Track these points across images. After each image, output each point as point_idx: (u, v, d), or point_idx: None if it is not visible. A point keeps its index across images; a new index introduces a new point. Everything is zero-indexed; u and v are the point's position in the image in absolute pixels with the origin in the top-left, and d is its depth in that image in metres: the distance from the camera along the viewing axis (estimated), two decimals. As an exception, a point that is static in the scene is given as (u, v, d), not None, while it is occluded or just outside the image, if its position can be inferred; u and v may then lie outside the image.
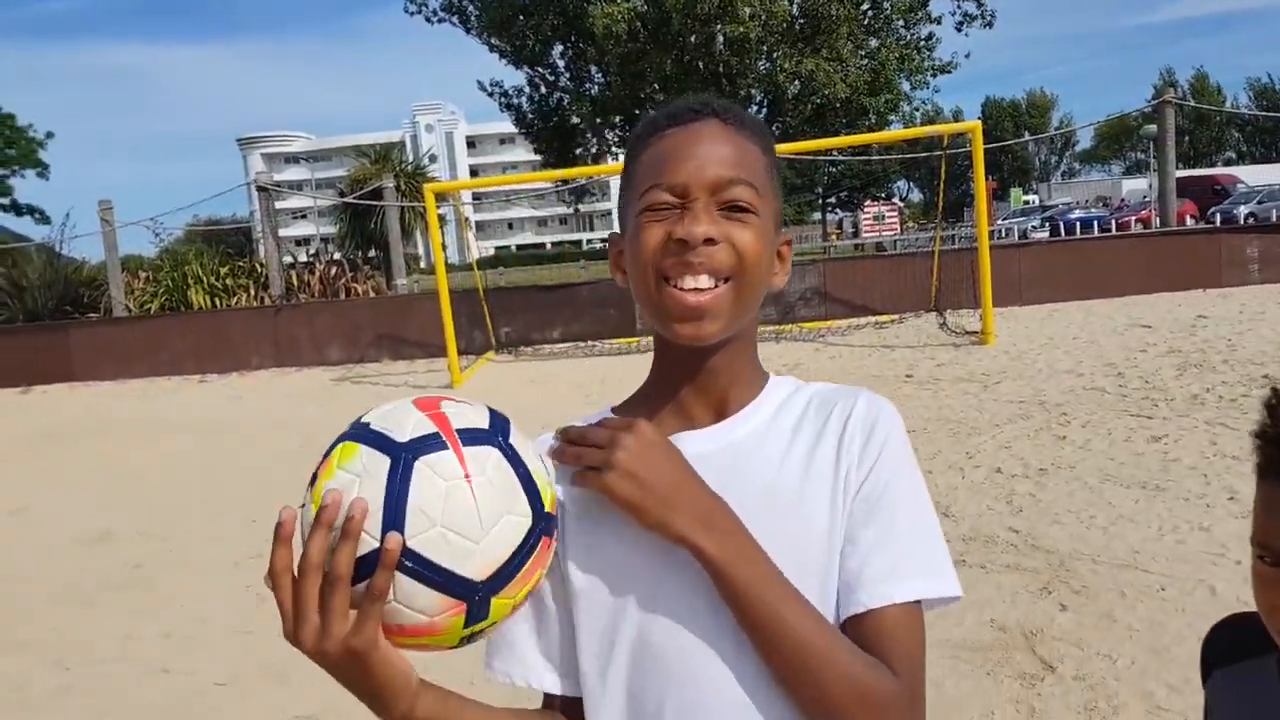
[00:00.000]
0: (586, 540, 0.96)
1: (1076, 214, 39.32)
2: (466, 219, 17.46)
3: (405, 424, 0.84)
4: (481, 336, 13.13)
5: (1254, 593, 0.97)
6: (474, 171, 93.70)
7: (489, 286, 14.92)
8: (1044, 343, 10.26)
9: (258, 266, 16.72)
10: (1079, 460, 5.94)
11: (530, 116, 29.92)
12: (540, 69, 28.82)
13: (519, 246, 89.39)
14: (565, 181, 23.98)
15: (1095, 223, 34.83)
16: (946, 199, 22.21)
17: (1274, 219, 19.28)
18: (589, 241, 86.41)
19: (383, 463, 0.81)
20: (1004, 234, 31.76)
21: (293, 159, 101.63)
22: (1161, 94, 13.95)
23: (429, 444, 0.82)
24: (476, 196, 41.91)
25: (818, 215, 62.32)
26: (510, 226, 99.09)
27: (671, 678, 0.93)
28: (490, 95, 30.10)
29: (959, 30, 27.09)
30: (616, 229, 1.07)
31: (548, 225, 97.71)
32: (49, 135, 43.97)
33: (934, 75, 27.14)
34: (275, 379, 13.79)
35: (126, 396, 13.26)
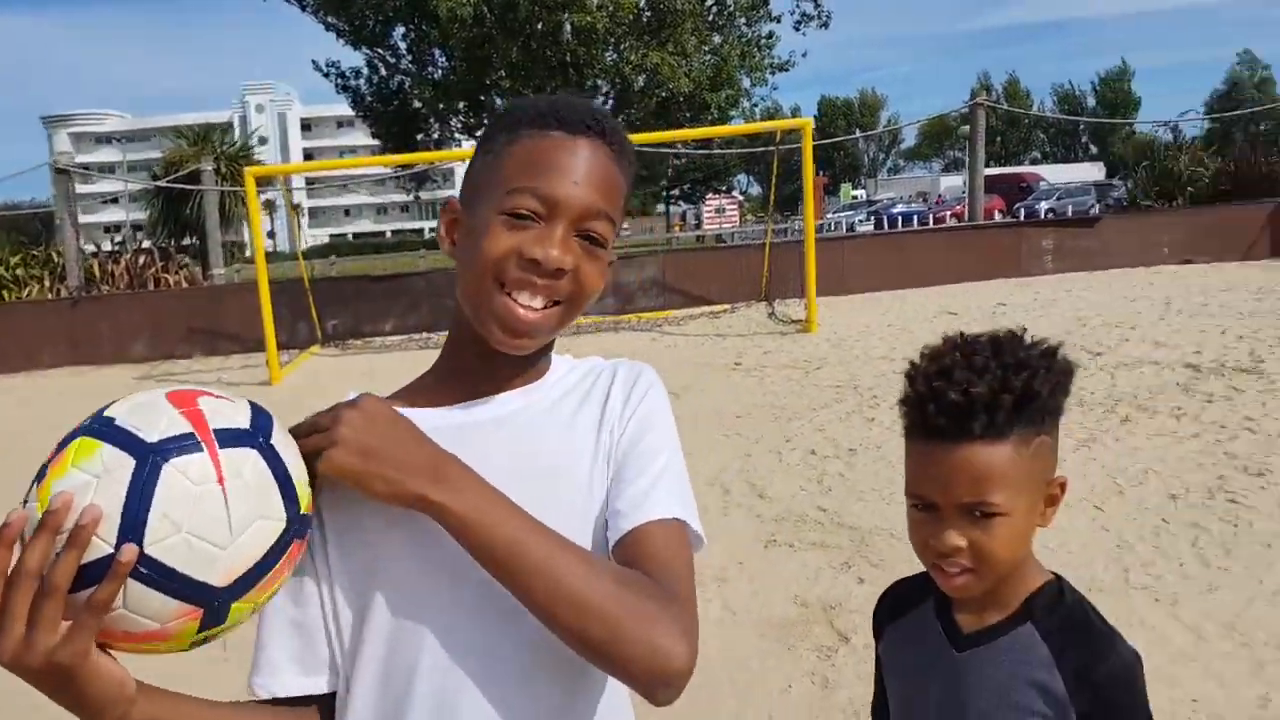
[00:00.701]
0: (342, 527, 0.98)
1: (899, 209, 41.58)
2: (295, 205, 16.78)
3: (157, 421, 0.79)
4: (307, 329, 12.68)
5: (909, 535, 1.14)
6: (309, 155, 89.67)
7: (319, 276, 14.43)
8: (862, 330, 10.88)
9: (55, 255, 15.45)
10: (885, 440, 6.38)
11: (369, 99, 28.95)
12: (380, 50, 27.91)
13: (356, 235, 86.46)
14: (405, 167, 23.42)
15: (915, 217, 37.02)
16: (781, 193, 23.04)
17: (1070, 214, 21.04)
18: (431, 230, 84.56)
19: (126, 464, 0.76)
20: (833, 227, 33.22)
21: (106, 139, 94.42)
22: (975, 96, 14.95)
23: (182, 445, 0.78)
24: (310, 182, 40.25)
25: (662, 207, 63.28)
26: (347, 214, 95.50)
27: (425, 648, 0.95)
28: (326, 76, 28.95)
29: (797, 29, 28.10)
30: (457, 195, 1.07)
31: (387, 213, 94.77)
32: None
33: (773, 73, 28.05)
34: (70, 379, 12.72)
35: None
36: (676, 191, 58.02)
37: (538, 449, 1.02)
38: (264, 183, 15.39)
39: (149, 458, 0.76)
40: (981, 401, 1.03)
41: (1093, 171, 56.93)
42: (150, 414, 0.80)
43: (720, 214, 34.57)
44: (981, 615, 1.14)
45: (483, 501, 0.90)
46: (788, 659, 3.58)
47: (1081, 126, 76.22)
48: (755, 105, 30.23)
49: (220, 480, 0.78)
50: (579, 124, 0.99)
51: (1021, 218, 26.23)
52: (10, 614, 0.72)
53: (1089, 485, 5.08)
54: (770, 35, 27.88)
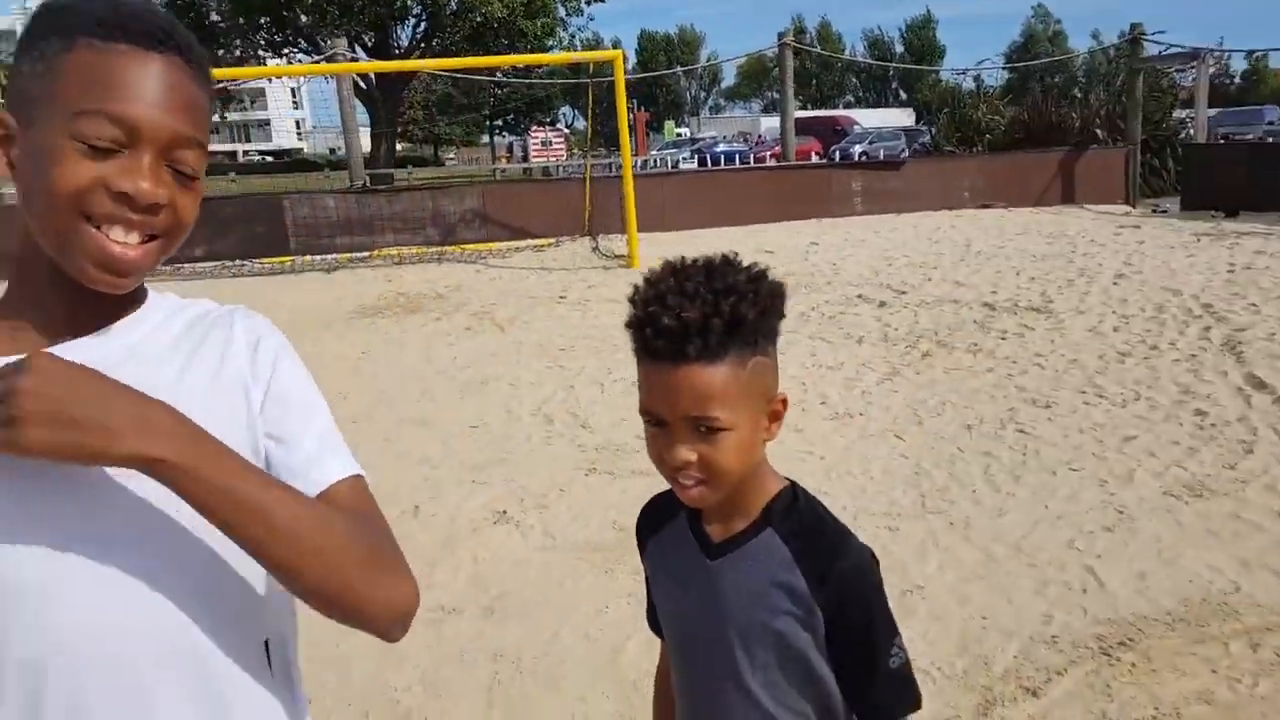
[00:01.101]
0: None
1: (721, 148, 42.17)
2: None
3: None
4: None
5: (647, 450, 1.16)
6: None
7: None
8: (685, 266, 11.02)
9: None
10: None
11: (163, 10, 26.40)
12: (171, -44, 25.47)
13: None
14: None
15: (737, 156, 37.71)
16: (607, 128, 22.75)
17: (881, 157, 22.03)
18: (244, 153, 78.91)
19: None
20: (656, 164, 33.40)
21: None
22: (784, 37, 15.22)
23: None
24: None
25: (486, 139, 61.66)
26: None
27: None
28: (107, -20, 26.14)
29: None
30: (7, 103, 0.91)
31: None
32: None
33: (588, 3, 27.61)
34: None
35: None
36: (500, 123, 56.65)
37: (158, 391, 0.89)
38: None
39: None
40: (695, 326, 1.06)
41: (903, 117, 59.81)
42: None
43: (547, 147, 34.10)
44: (728, 524, 1.19)
45: (206, 454, 0.82)
46: (605, 580, 3.60)
47: (891, 72, 79.73)
48: (574, 35, 29.68)
49: None
50: (150, 36, 0.87)
51: (837, 160, 27.22)
52: None
53: (891, 416, 5.36)
54: (586, -37, 27.41)
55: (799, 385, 6.08)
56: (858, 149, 34.61)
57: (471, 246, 12.70)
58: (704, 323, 1.06)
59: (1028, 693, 2.79)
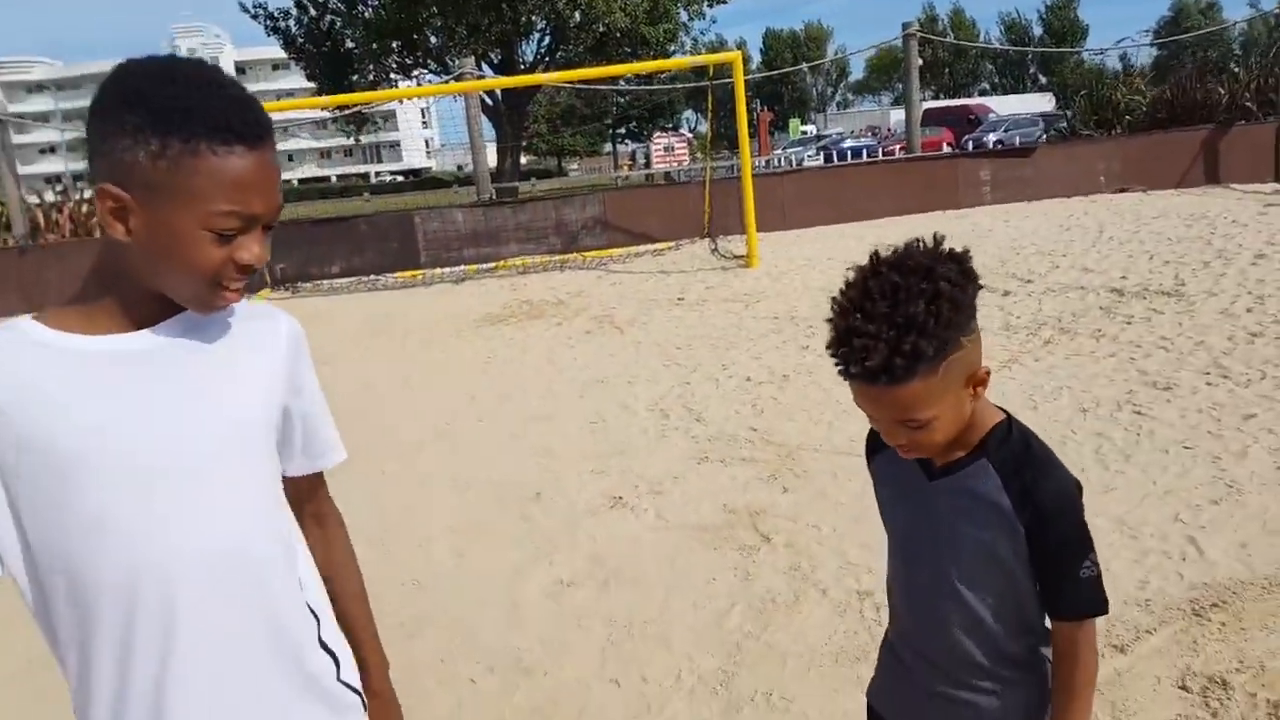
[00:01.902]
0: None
1: (848, 143, 41.63)
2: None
3: None
4: (256, 274, 12.60)
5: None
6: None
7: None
8: (802, 264, 11.06)
9: (-2, 207, 15.19)
10: (818, 366, 6.60)
11: (300, 41, 28.19)
12: (308, -11, 27.17)
13: (301, 180, 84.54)
14: (343, 109, 22.95)
15: (865, 151, 37.11)
16: (728, 129, 22.81)
17: (1018, 145, 21.29)
18: (377, 174, 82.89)
19: None
20: (780, 163, 33.22)
21: (36, 88, 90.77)
22: (908, 27, 15.01)
23: None
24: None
25: (609, 147, 62.66)
26: (290, 159, 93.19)
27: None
28: (254, 18, 28.12)
29: (735, -38, 27.80)
30: (109, 175, 1.07)
31: (331, 157, 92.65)
32: None
33: (710, 5, 27.76)
34: (23, 327, 12.71)
35: None
36: (623, 130, 57.51)
37: (202, 376, 1.17)
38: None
39: None
40: (879, 368, 1.22)
41: (1042, 102, 57.29)
42: None
43: (669, 152, 34.46)
44: (948, 453, 1.38)
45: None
46: (714, 556, 3.82)
47: (1030, 56, 76.51)
48: (695, 39, 29.87)
49: None
50: (254, 135, 1.08)
51: (970, 149, 26.49)
52: None
53: (1006, 402, 5.29)
54: (706, -33, 27.56)
55: (912, 374, 6.11)
56: (992, 137, 33.53)
57: (592, 253, 13.09)
58: (888, 364, 1.21)
59: (1116, 649, 2.84)
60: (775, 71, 48.06)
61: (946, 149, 32.24)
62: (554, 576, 3.80)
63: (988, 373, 1.32)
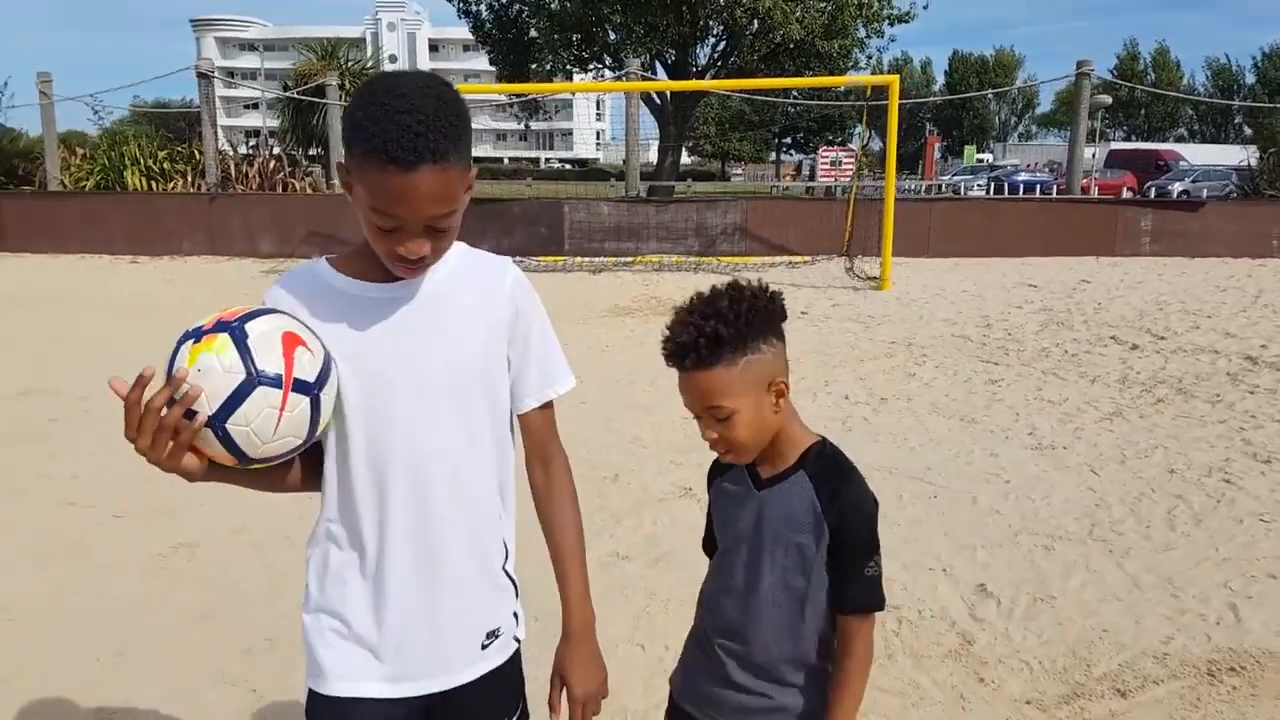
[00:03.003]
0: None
1: (1022, 176, 40.00)
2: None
3: (269, 355, 1.28)
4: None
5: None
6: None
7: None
8: (935, 293, 11.00)
9: (196, 154, 16.72)
10: (918, 393, 6.68)
11: (489, 25, 29.58)
12: (502, -21, 28.48)
13: (476, 159, 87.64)
14: (518, 95, 23.98)
15: (1039, 186, 35.69)
16: (899, 149, 22.58)
17: (1204, 197, 20.15)
18: (546, 160, 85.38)
19: (239, 373, 1.25)
20: (942, 189, 32.39)
21: (249, 46, 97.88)
22: (1082, 66, 14.53)
23: (272, 380, 1.27)
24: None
25: (774, 155, 62.46)
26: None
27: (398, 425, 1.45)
28: (450, 0, 29.68)
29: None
30: (345, 154, 1.36)
31: (506, 140, 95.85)
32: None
33: (891, 24, 27.41)
34: (206, 265, 14.06)
35: (58, 270, 13.42)
36: (789, 140, 57.21)
37: (445, 321, 1.46)
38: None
39: (252, 378, 1.26)
40: (687, 347, 1.49)
41: (1243, 155, 53.42)
42: (268, 345, 1.29)
43: (836, 166, 34.18)
44: (773, 467, 1.62)
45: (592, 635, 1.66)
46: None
47: (1236, 106, 71.43)
48: (871, 57, 29.50)
49: (281, 410, 1.28)
50: (409, 161, 1.26)
51: (1151, 196, 25.21)
52: (142, 432, 1.26)
53: (1096, 453, 5.32)
54: (890, -15, 27.18)
55: (1012, 415, 6.13)
56: (1177, 187, 31.68)
57: (729, 259, 13.36)
58: (694, 343, 1.48)
59: (1117, 693, 2.94)
60: (953, 96, 46.70)
61: (1127, 193, 30.69)
62: (611, 549, 4.12)
63: (786, 385, 1.54)
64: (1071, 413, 6.15)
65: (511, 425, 1.59)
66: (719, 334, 1.48)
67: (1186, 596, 3.57)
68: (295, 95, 19.17)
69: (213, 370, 1.25)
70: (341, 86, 17.39)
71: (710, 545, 1.78)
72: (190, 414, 1.25)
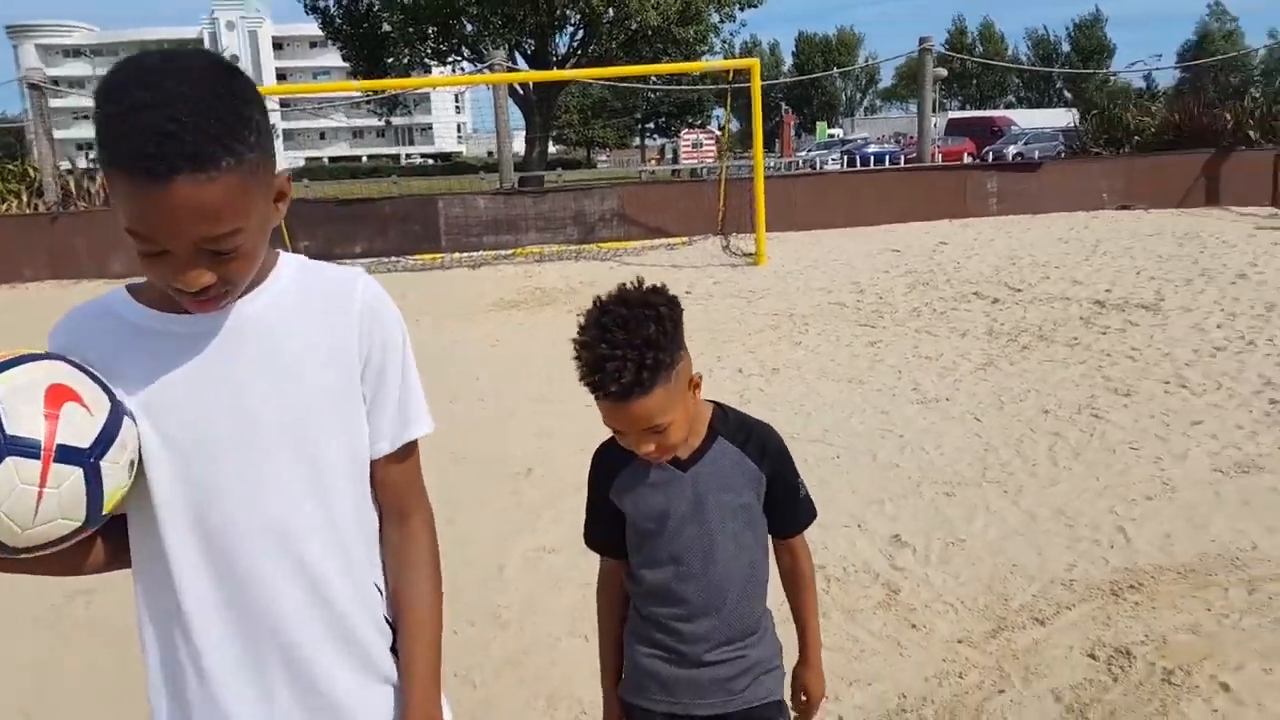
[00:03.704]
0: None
1: (871, 148, 41.60)
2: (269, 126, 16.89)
3: (22, 416, 1.02)
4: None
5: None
6: (281, 76, 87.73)
7: (294, 198, 14.68)
8: (808, 265, 11.39)
9: (30, 171, 15.61)
10: (806, 361, 6.95)
11: (339, 21, 28.67)
12: (350, -31, 27.65)
13: (332, 159, 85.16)
14: (376, 92, 23.36)
15: (887, 157, 37.23)
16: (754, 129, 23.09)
17: (1036, 158, 21.51)
18: (407, 157, 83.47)
19: None
20: (801, 165, 33.44)
21: (74, 52, 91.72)
22: (924, 41, 15.28)
23: (26, 448, 1.01)
24: (284, 103, 39.72)
25: (638, 141, 62.93)
26: (322, 137, 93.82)
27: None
28: (294, -3, 28.56)
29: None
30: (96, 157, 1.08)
31: (363, 137, 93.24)
32: None
33: (741, 9, 28.04)
34: (52, 291, 13.11)
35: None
36: (652, 125, 57.81)
37: (276, 354, 1.19)
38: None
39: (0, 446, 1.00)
40: (630, 383, 1.47)
41: (1066, 118, 57.04)
42: (23, 405, 1.03)
43: (698, 149, 34.71)
44: (689, 444, 1.65)
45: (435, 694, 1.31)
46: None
47: (1055, 73, 76.26)
48: (726, 41, 30.15)
49: (42, 485, 1.02)
50: (157, 171, 0.99)
51: (990, 160, 26.66)
52: None
53: (975, 401, 5.69)
54: (741, -28, 27.82)
55: (894, 374, 6.45)
56: (1012, 150, 33.60)
57: (608, 245, 13.47)
58: (636, 377, 1.46)
59: (1036, 621, 3.20)
60: (804, 76, 48.15)
61: (968, 159, 32.34)
62: (537, 543, 4.12)
63: (700, 377, 1.61)
64: (948, 366, 6.53)
65: None
66: (658, 361, 1.48)
67: (1080, 525, 3.90)
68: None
69: None
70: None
71: (601, 539, 1.77)
72: None
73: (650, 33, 26.20)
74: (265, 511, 1.18)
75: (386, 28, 27.88)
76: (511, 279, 11.79)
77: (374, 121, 59.95)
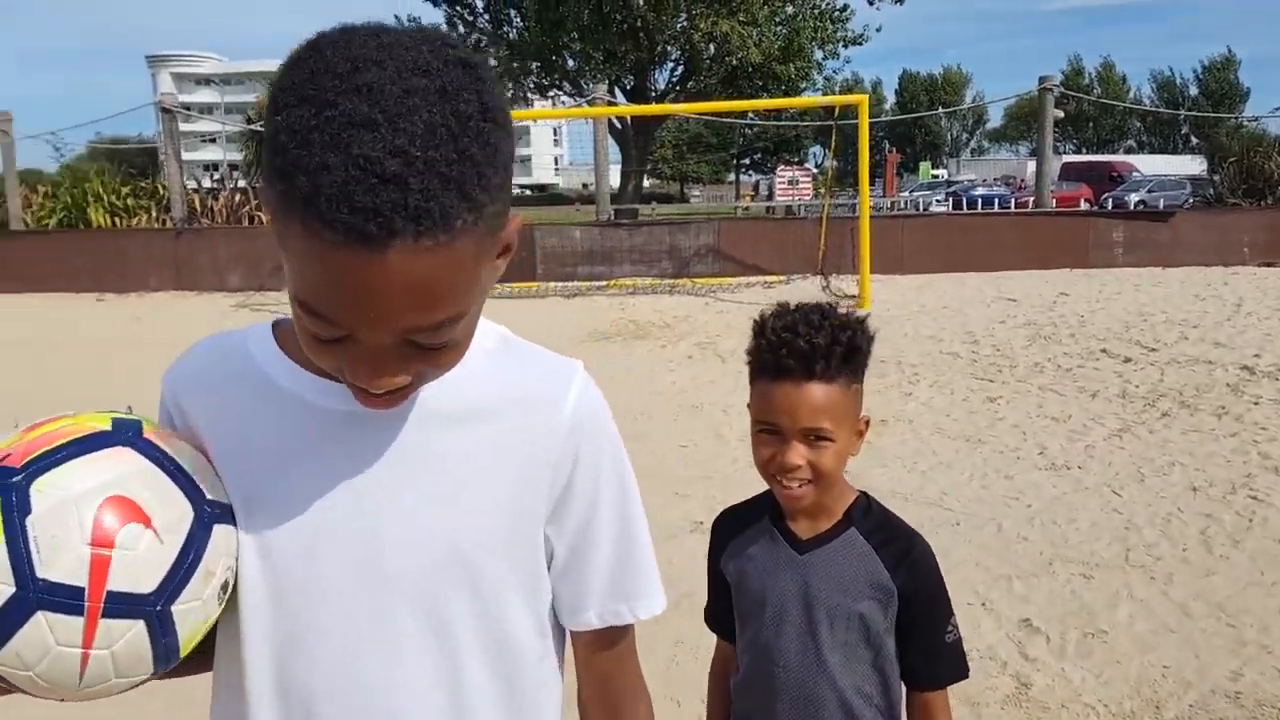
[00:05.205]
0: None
1: (979, 190, 40.55)
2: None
3: (64, 546, 0.72)
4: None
5: (754, 454, 1.41)
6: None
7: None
8: (916, 310, 10.88)
9: (160, 188, 16.42)
10: (917, 414, 6.49)
11: (444, 60, 29.43)
12: (459, 8, 28.41)
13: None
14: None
15: (996, 200, 36.12)
16: (854, 167, 22.70)
17: (1161, 207, 20.46)
18: (516, 187, 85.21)
19: (8, 585, 0.71)
20: (905, 205, 32.67)
21: (204, 81, 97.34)
22: (1044, 81, 14.63)
23: (66, 602, 0.72)
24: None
25: (733, 176, 62.88)
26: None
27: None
28: (403, 31, 29.54)
29: (870, 3, 27.73)
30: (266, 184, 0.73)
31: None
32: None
33: (845, 46, 27.71)
34: (174, 301, 13.68)
35: (21, 311, 12.92)
36: (747, 161, 57.62)
37: (436, 461, 0.87)
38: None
39: (29, 596, 0.72)
40: (820, 350, 1.30)
41: (1192, 165, 54.63)
42: (67, 531, 0.73)
43: (793, 186, 34.38)
44: (814, 524, 1.41)
45: None
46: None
47: (1183, 116, 73.26)
48: (828, 78, 29.81)
49: (87, 646, 0.74)
50: (379, 227, 0.66)
51: (1110, 208, 25.54)
52: None
53: (1112, 472, 5.15)
54: (845, 8, 27.52)
55: (1018, 434, 5.95)
56: (1134, 197, 32.19)
57: (703, 280, 13.19)
58: (828, 348, 1.30)
59: (1199, 745, 2.71)
60: (908, 115, 47.32)
61: (1085, 205, 31.15)
62: (627, 593, 3.84)
63: (867, 424, 1.41)
64: (1078, 430, 5.99)
65: (557, 647, 0.97)
66: (856, 344, 1.33)
67: (1244, 626, 3.37)
68: (259, 128, 18.82)
69: None
70: (301, 117, 17.11)
71: (710, 616, 1.59)
72: None
73: (750, 69, 26.09)
74: (370, 692, 0.85)
75: (493, 63, 28.49)
76: (605, 310, 11.61)
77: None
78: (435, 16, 30.35)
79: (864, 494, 1.44)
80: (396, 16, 29.43)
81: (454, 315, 0.74)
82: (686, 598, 3.81)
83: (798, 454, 1.33)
